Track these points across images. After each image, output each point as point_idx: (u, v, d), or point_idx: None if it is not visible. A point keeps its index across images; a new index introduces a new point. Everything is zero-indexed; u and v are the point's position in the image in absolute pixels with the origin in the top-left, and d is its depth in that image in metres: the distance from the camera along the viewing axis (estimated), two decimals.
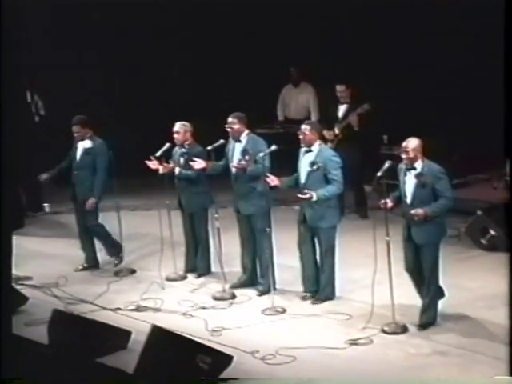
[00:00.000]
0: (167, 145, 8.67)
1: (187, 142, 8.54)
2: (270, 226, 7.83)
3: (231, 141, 8.17)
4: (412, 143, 6.96)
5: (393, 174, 7.22)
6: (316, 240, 7.75)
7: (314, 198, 7.46)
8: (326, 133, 10.31)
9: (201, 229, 8.62)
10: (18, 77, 11.37)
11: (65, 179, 12.63)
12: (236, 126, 8.04)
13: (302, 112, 11.74)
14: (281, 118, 11.92)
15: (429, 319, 7.07)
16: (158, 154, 8.63)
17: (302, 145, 7.73)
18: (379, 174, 7.11)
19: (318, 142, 7.72)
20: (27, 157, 11.42)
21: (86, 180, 8.95)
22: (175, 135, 8.54)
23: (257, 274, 8.26)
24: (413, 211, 6.90)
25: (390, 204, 7.14)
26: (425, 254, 7.02)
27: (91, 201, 8.89)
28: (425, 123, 10.42)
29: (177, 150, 8.65)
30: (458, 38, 10.50)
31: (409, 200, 7.05)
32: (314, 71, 11.52)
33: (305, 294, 7.88)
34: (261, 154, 7.74)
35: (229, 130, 8.08)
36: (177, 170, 8.55)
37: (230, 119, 8.08)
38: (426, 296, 7.10)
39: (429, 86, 10.97)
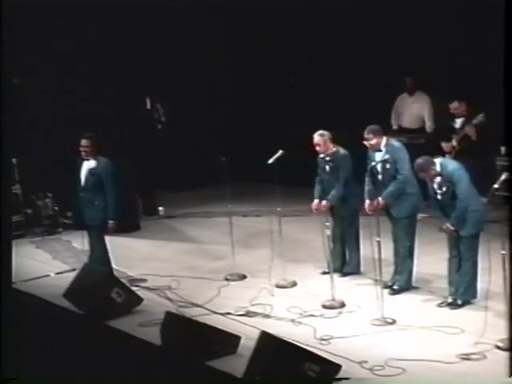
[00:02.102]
0: (280, 152, 8.71)
1: (330, 151, 8.59)
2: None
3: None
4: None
5: (509, 185, 7.02)
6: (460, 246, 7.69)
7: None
8: (444, 145, 10.17)
9: (351, 232, 8.71)
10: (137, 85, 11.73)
11: (179, 184, 13.03)
12: (373, 142, 8.15)
13: (417, 121, 11.56)
14: (395, 126, 11.76)
15: None
16: (271, 161, 8.69)
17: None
18: (496, 185, 6.93)
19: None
20: (143, 162, 11.72)
21: (93, 202, 8.63)
22: (317, 147, 8.60)
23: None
24: None
25: None
26: None
27: (110, 225, 8.57)
28: None
29: (320, 159, 8.67)
30: None
31: None
32: (429, 80, 11.32)
33: (443, 300, 7.83)
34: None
35: (368, 145, 8.17)
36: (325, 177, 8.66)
37: (365, 135, 8.17)
38: None
39: None
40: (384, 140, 8.18)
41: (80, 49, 11.15)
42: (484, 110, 9.84)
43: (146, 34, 11.82)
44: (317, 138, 8.61)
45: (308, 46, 12.39)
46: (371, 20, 11.60)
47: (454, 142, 10.04)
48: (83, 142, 8.65)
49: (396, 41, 11.47)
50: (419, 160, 7.64)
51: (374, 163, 8.17)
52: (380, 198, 8.14)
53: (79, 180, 8.74)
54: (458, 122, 10.13)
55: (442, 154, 10.07)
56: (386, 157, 8.12)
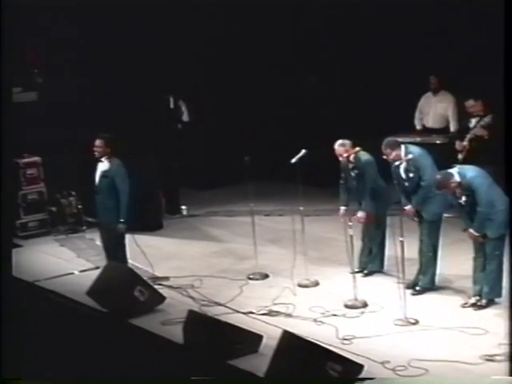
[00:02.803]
0: (303, 151, 8.70)
1: (352, 158, 8.56)
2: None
3: None
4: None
5: None
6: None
7: None
8: (457, 143, 10.11)
9: (378, 232, 8.70)
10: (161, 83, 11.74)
11: (202, 183, 13.04)
12: (392, 156, 8.10)
13: (441, 121, 11.45)
14: (418, 126, 11.68)
15: None
16: (294, 160, 8.68)
17: None
18: None
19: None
20: (166, 161, 11.73)
21: (106, 204, 8.66)
22: (339, 158, 8.59)
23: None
24: None
25: None
26: None
27: (119, 228, 8.57)
28: None
29: (344, 162, 8.62)
30: None
31: None
32: (454, 79, 11.24)
33: (467, 300, 7.79)
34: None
35: (388, 159, 8.15)
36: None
37: (383, 150, 8.15)
38: None
39: None
40: (403, 150, 8.11)
41: (104, 49, 11.17)
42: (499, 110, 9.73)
43: (170, 33, 11.80)
44: (338, 148, 8.57)
45: (331, 45, 12.34)
46: (393, 19, 11.54)
47: (465, 142, 9.99)
48: (96, 142, 8.65)
49: (419, 39, 11.41)
50: (437, 177, 7.62)
51: (395, 165, 8.13)
52: (409, 206, 8.12)
53: (94, 181, 8.76)
54: (473, 122, 10.05)
55: (455, 153, 10.04)
56: (408, 165, 8.08)
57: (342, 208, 8.69)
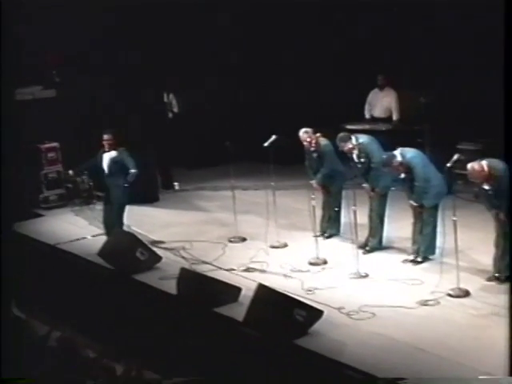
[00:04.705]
0: (274, 137, 8.72)
1: (313, 144, 8.60)
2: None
3: None
4: (475, 173, 6.81)
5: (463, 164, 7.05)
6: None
7: None
8: None
9: (336, 203, 8.74)
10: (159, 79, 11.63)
11: (192, 163, 13.02)
12: (346, 148, 8.12)
13: (386, 112, 11.67)
14: (367, 116, 11.83)
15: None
16: (266, 144, 8.71)
17: None
18: (449, 164, 7.02)
19: None
20: (161, 146, 11.71)
21: (118, 184, 8.78)
22: (304, 143, 8.64)
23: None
24: None
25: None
26: None
27: (132, 173, 8.65)
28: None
29: (307, 146, 8.66)
30: None
31: None
32: (397, 78, 11.32)
33: (408, 257, 7.86)
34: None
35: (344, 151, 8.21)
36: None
37: (338, 143, 8.21)
38: None
39: None
40: (354, 140, 8.15)
41: (111, 51, 10.99)
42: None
43: (167, 34, 11.54)
44: (302, 135, 8.63)
45: (302, 42, 12.13)
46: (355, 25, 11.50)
47: None
48: (105, 136, 8.75)
49: (371, 44, 11.40)
50: (383, 157, 7.72)
51: (351, 156, 8.21)
52: (366, 185, 8.15)
53: (101, 168, 8.85)
54: None
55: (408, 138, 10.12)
56: (359, 152, 8.13)
57: (313, 182, 8.77)
